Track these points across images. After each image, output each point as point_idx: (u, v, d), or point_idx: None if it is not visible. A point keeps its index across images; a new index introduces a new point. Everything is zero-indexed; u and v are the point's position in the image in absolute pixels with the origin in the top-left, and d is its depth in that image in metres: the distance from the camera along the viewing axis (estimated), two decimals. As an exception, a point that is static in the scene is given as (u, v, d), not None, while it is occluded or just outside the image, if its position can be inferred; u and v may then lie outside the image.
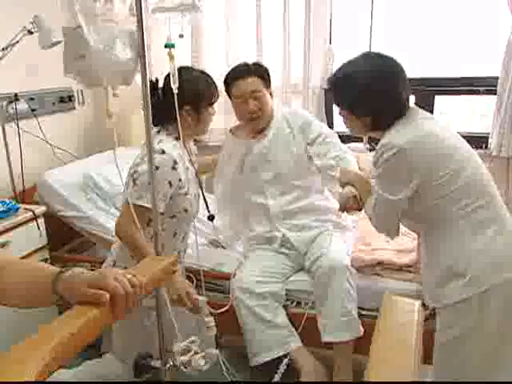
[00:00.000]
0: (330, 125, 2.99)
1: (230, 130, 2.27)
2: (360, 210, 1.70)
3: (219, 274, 2.15)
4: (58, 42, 2.46)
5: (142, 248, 1.59)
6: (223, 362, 1.44)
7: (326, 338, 1.90)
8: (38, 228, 2.15)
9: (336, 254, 1.96)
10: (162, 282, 1.21)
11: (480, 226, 1.43)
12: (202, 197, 1.91)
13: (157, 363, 1.24)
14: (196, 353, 1.23)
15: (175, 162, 1.66)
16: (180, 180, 1.69)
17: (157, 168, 1.56)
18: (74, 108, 2.82)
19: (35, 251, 2.15)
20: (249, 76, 2.01)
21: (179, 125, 1.49)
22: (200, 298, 1.59)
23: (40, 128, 2.53)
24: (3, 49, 2.21)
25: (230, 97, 2.09)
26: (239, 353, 2.04)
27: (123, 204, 1.67)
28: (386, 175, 1.48)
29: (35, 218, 2.13)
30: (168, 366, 1.23)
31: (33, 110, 2.49)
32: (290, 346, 1.92)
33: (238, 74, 2.03)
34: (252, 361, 1.96)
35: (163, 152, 1.63)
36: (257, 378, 2.02)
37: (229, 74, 2.07)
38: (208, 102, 1.79)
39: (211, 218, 1.97)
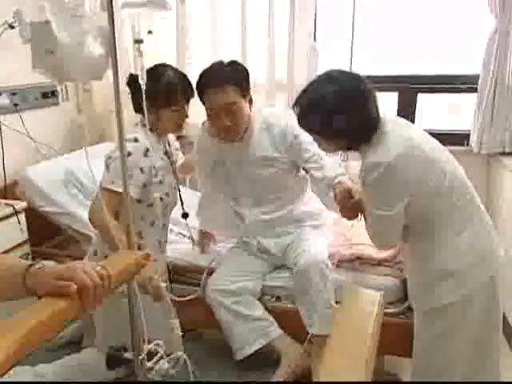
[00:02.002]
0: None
1: (203, 124, 2.06)
2: (356, 215, 1.65)
3: (197, 269, 2.17)
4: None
5: (115, 234, 1.58)
6: (189, 364, 1.45)
7: (313, 331, 1.91)
8: (19, 223, 2.15)
9: (313, 249, 1.98)
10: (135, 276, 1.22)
11: (464, 223, 1.46)
12: (181, 189, 1.93)
13: (130, 355, 1.25)
14: (161, 357, 1.24)
15: (147, 149, 1.68)
16: (154, 167, 1.72)
17: (129, 154, 1.59)
18: (58, 103, 2.81)
19: (16, 246, 2.15)
20: (223, 86, 1.79)
21: (146, 117, 1.49)
22: (162, 284, 1.59)
23: (23, 123, 2.52)
24: (-17, 44, 2.20)
25: (202, 102, 1.88)
26: (224, 347, 2.07)
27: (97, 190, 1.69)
28: (377, 193, 1.46)
29: (16, 213, 2.13)
30: (140, 357, 1.25)
31: (15, 105, 2.49)
32: (270, 335, 1.97)
33: (210, 83, 1.81)
34: (236, 355, 2.00)
35: (136, 140, 1.67)
36: (245, 369, 2.06)
37: (201, 78, 1.85)
38: (164, 103, 1.71)
39: (185, 215, 1.95)
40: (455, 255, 1.46)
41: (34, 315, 0.88)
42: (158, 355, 1.30)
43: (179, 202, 1.95)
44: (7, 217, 2.11)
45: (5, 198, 2.28)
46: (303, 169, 2.05)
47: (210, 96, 1.82)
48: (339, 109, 1.42)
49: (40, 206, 2.33)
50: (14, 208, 2.12)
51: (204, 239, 2.35)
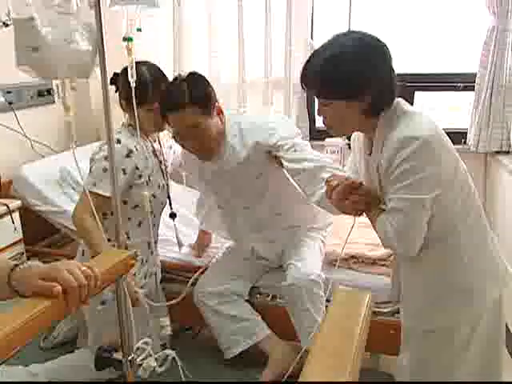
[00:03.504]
0: (312, 120, 3.01)
1: None
2: (361, 212, 1.37)
3: (195, 268, 2.15)
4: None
5: (93, 238, 1.61)
6: (179, 363, 1.44)
7: (303, 344, 1.86)
8: (13, 222, 2.14)
9: (303, 264, 1.90)
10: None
11: (480, 237, 1.34)
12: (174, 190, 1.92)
13: (118, 356, 1.24)
14: (150, 355, 1.24)
15: (130, 151, 1.68)
16: (137, 168, 1.70)
17: None
18: (53, 102, 2.79)
19: (10, 246, 2.14)
20: (179, 109, 1.64)
21: (135, 116, 1.46)
22: (140, 291, 1.57)
23: (18, 122, 2.51)
24: (-22, 42, 2.19)
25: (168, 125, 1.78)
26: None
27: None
28: (412, 172, 1.21)
29: (10, 212, 2.12)
30: (129, 358, 1.24)
31: (10, 104, 2.47)
32: (257, 335, 1.97)
33: (170, 106, 1.66)
34: (225, 354, 2.02)
35: (118, 141, 1.66)
36: (238, 368, 2.06)
37: (162, 99, 1.71)
38: (139, 100, 1.58)
39: (172, 215, 1.90)
40: (472, 271, 1.31)
41: (18, 316, 0.87)
42: (145, 353, 1.29)
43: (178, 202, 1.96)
44: (1, 216, 2.10)
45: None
46: (277, 160, 1.80)
47: (171, 119, 1.69)
48: (366, 61, 1.23)
49: (35, 205, 2.32)
50: (7, 207, 2.11)
51: (202, 242, 2.31)
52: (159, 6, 1.06)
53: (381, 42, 1.27)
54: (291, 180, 1.81)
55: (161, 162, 1.86)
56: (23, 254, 2.21)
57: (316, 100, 1.34)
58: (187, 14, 3.01)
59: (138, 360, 1.25)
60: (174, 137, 1.76)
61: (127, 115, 1.79)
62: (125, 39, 1.20)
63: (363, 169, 1.43)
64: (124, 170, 1.67)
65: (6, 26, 2.29)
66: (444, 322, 1.35)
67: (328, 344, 0.79)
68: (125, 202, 1.73)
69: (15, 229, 2.15)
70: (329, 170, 1.63)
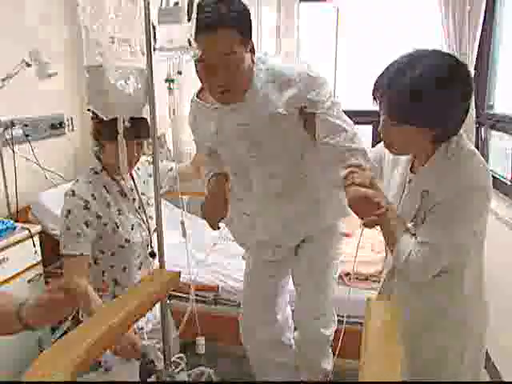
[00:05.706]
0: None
1: (197, 95, 1.59)
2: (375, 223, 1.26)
3: (205, 287, 2.34)
4: (54, 74, 2.71)
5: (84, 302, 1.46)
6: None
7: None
8: (34, 246, 2.27)
9: (316, 327, 1.78)
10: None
11: (479, 273, 1.34)
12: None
13: (159, 367, 1.38)
14: (182, 369, 1.37)
15: (87, 202, 1.58)
16: (99, 217, 1.60)
17: (69, 213, 1.56)
18: (64, 133, 2.97)
19: (29, 267, 2.27)
20: (218, 28, 1.28)
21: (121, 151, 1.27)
22: (147, 343, 1.50)
23: (33, 152, 2.67)
24: (3, 79, 2.40)
25: None
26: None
27: None
28: (467, 220, 1.20)
29: (31, 236, 2.25)
30: (170, 370, 1.38)
31: (26, 136, 2.63)
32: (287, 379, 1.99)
33: (203, 25, 1.25)
34: (255, 375, 2.03)
35: (73, 194, 1.59)
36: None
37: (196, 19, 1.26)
38: (109, 136, 1.51)
39: (152, 254, 1.65)
40: (470, 303, 1.32)
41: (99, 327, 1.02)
42: (180, 368, 1.43)
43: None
44: (23, 240, 2.24)
45: (17, 221, 2.39)
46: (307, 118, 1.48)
47: (201, 43, 1.28)
48: (453, 87, 1.14)
49: (51, 229, 2.47)
50: (29, 231, 2.24)
51: None
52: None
53: (466, 67, 1.19)
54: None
55: (134, 200, 1.73)
56: (41, 275, 2.33)
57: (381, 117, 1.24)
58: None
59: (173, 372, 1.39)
60: (196, 71, 1.39)
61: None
62: (167, 80, 1.38)
63: (397, 180, 1.38)
64: (87, 223, 1.57)
65: (29, 65, 2.50)
66: (432, 347, 1.34)
67: (376, 349, 0.94)
68: (102, 252, 1.66)
69: (36, 252, 2.28)
70: (360, 156, 1.37)
